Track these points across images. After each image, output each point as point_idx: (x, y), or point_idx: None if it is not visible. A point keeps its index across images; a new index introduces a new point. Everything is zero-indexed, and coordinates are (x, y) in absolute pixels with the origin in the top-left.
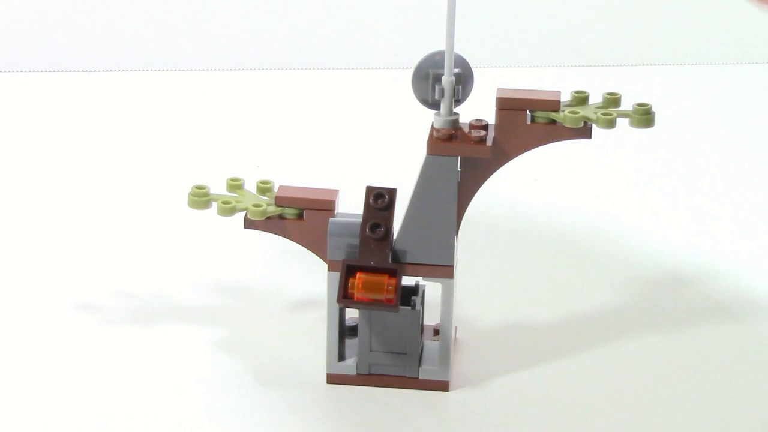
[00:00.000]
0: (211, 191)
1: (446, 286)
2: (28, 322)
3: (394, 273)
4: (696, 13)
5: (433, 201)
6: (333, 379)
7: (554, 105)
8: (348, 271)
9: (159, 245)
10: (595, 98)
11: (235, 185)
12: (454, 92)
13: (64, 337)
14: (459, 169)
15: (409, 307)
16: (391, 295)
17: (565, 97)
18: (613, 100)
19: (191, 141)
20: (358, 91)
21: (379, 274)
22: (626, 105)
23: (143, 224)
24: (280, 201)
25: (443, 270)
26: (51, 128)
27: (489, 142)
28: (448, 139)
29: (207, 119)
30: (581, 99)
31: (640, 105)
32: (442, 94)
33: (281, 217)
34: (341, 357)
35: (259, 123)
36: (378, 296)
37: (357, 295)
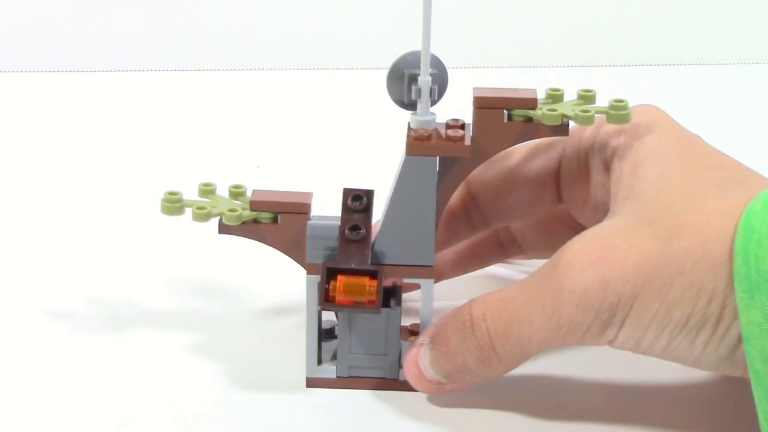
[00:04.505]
0: (185, 197)
1: (426, 286)
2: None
3: (375, 274)
4: (696, 13)
5: (412, 201)
6: (312, 382)
7: (531, 103)
8: (329, 274)
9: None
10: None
11: (207, 190)
12: (431, 92)
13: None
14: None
15: (389, 308)
16: (373, 297)
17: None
18: (588, 97)
19: (191, 141)
20: (359, 91)
21: (360, 276)
22: (603, 102)
23: (142, 225)
24: (254, 205)
25: (423, 270)
26: (51, 128)
27: (467, 141)
28: (426, 139)
29: (207, 119)
30: (557, 96)
31: (616, 101)
32: (419, 95)
33: (256, 221)
34: (320, 360)
35: (259, 123)
36: (360, 298)
37: (339, 297)
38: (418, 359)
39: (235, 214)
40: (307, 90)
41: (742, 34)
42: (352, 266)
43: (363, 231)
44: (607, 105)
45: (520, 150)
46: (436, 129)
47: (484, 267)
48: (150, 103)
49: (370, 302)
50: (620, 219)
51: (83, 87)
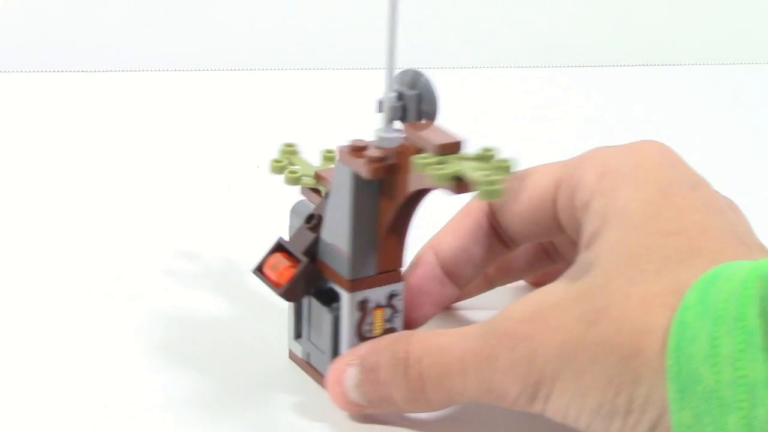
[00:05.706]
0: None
1: (344, 298)
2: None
3: (298, 263)
4: (696, 13)
5: (337, 209)
6: (292, 355)
7: (454, 147)
8: (277, 248)
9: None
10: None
11: (289, 151)
12: (395, 111)
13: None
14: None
15: (329, 308)
16: (282, 280)
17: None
18: (485, 157)
19: (191, 141)
20: (359, 92)
21: (292, 260)
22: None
23: (142, 223)
24: (317, 178)
25: (342, 281)
26: (51, 128)
27: (379, 164)
28: (353, 150)
29: (207, 119)
30: (465, 156)
31: (492, 169)
32: (380, 109)
33: (314, 190)
34: (298, 335)
35: (259, 123)
36: (277, 278)
37: (266, 270)
38: (343, 378)
39: (295, 176)
40: (307, 90)
41: (742, 34)
42: (290, 249)
43: (315, 222)
44: (484, 171)
45: (530, 174)
46: (399, 146)
47: (535, 273)
48: (150, 103)
49: (276, 284)
50: (563, 288)
51: (83, 87)
